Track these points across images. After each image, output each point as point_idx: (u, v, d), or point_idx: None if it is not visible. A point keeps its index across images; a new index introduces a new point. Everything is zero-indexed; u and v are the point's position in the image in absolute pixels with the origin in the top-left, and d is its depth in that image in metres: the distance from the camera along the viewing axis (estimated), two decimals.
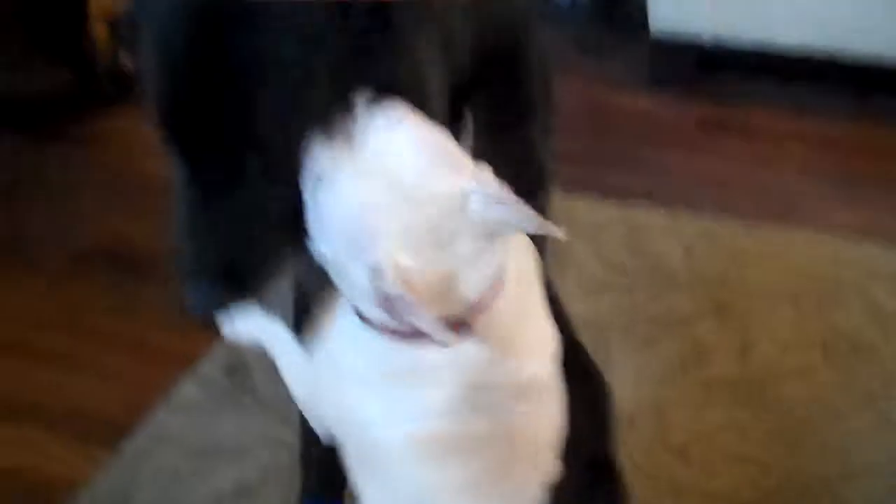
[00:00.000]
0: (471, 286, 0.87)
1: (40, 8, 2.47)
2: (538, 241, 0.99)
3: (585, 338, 1.49)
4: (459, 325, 0.88)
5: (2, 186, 2.24)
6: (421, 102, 0.93)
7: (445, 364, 0.92)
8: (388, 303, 0.84)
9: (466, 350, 0.90)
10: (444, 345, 0.86)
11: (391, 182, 0.84)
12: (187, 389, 1.67)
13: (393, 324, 0.88)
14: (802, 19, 2.41)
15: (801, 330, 1.77)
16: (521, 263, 0.96)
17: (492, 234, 0.87)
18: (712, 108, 2.50)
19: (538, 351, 1.00)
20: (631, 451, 1.50)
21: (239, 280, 0.92)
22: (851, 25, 2.38)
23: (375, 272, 0.83)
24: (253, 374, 1.68)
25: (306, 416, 1.04)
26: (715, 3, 2.46)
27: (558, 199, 2.06)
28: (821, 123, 2.40)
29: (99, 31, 2.58)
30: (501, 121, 1.23)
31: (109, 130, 2.38)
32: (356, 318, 0.92)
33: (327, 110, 0.89)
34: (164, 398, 1.65)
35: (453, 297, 0.87)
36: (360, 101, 0.88)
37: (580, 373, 1.04)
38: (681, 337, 1.76)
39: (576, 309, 1.52)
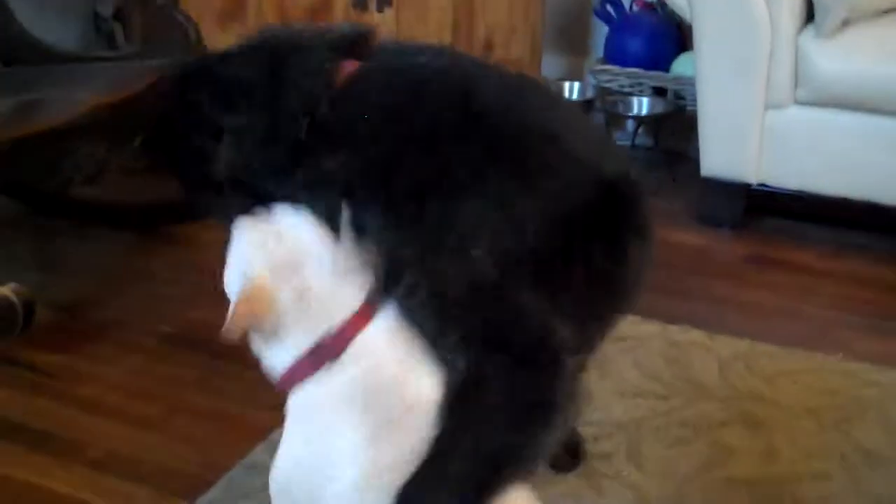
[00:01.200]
0: (329, 312, 1.17)
1: (156, 127, 2.79)
2: None
3: (621, 437, 1.67)
4: (328, 349, 1.16)
5: (112, 276, 2.57)
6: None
7: (343, 395, 1.16)
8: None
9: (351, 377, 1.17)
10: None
11: (273, 239, 1.23)
12: (260, 455, 1.86)
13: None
14: (840, 171, 2.62)
15: (821, 440, 1.91)
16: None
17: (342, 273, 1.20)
18: (758, 246, 2.70)
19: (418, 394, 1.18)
20: None
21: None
22: (884, 178, 2.58)
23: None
24: None
25: None
26: (760, 154, 2.69)
27: None
28: (857, 263, 2.59)
29: None
30: None
31: (205, 235, 2.70)
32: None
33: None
34: (240, 461, 1.85)
35: (313, 316, 1.18)
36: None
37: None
38: (709, 440, 1.92)
39: (613, 411, 1.72)
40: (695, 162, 2.83)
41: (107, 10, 2.60)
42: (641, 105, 3.24)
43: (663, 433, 1.93)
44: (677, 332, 2.27)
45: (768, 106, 2.64)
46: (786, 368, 2.14)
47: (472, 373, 1.11)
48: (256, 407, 2.00)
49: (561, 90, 3.44)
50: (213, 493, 1.77)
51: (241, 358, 2.18)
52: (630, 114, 3.23)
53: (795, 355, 2.18)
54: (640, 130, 3.19)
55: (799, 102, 2.63)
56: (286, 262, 1.21)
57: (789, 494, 1.78)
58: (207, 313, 2.36)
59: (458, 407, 1.11)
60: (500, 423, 1.10)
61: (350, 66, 1.28)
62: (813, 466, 1.85)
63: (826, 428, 1.95)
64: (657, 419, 1.96)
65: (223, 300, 2.39)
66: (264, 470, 1.82)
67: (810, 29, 2.59)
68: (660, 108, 3.22)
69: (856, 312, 2.37)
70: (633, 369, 2.12)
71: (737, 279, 2.55)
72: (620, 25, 3.36)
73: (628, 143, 3.21)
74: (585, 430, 1.89)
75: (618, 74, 3.33)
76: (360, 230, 1.22)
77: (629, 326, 2.27)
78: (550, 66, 3.63)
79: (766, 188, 2.73)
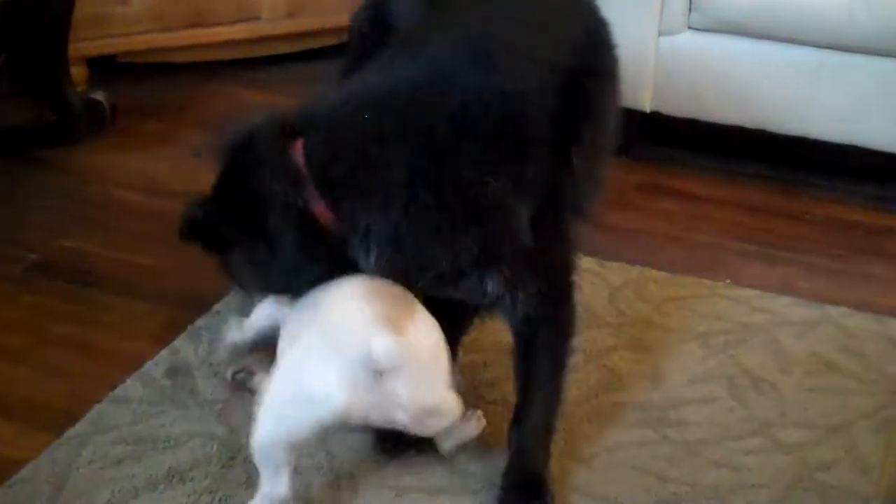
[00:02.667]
0: None
1: (25, 49, 2.63)
2: None
3: (509, 363, 1.64)
4: None
5: None
6: None
7: None
8: None
9: None
10: None
11: None
12: (131, 386, 1.77)
13: None
14: (733, 98, 2.60)
15: (709, 365, 1.91)
16: None
17: None
18: (650, 174, 2.67)
19: None
20: None
21: None
22: (776, 105, 2.57)
23: None
24: (194, 376, 1.80)
25: None
26: (654, 81, 2.65)
27: None
28: (747, 191, 2.59)
29: (77, 72, 2.75)
30: None
31: (77, 160, 2.57)
32: None
33: None
34: (109, 394, 1.76)
35: None
36: None
37: None
38: (598, 366, 1.90)
39: (502, 339, 1.67)
40: None
41: None
42: None
43: None
44: None
45: (662, 32, 2.60)
46: (674, 294, 2.13)
47: None
48: (129, 338, 1.91)
49: None
50: (81, 426, 1.68)
51: (114, 288, 2.09)
52: None
53: (684, 281, 2.17)
54: None
55: (693, 28, 2.59)
56: None
57: (676, 417, 1.77)
58: (78, 241, 2.25)
59: None
60: None
61: None
62: (700, 390, 1.84)
63: (714, 353, 1.94)
64: None
65: (94, 228, 2.29)
66: (134, 402, 1.74)
67: None
68: None
69: (745, 240, 2.37)
70: None
71: (628, 207, 2.52)
72: None
73: None
74: (474, 357, 1.85)
75: None
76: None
77: None
78: None
79: (659, 116, 2.70)
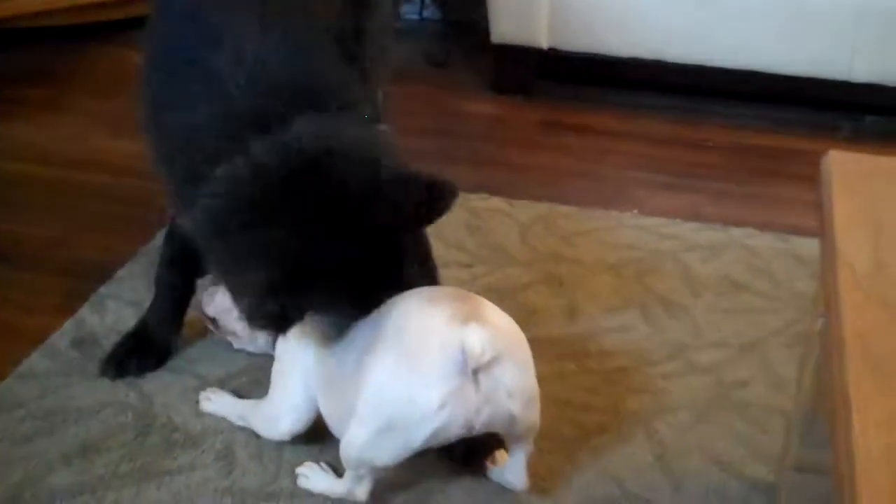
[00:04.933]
0: None
1: None
2: None
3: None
4: None
5: None
6: None
7: None
8: None
9: None
10: None
11: None
12: (35, 361, 1.70)
13: None
14: (627, 29, 2.61)
15: (622, 294, 1.92)
16: None
17: None
18: (551, 111, 2.67)
19: None
20: None
21: None
22: (673, 35, 2.58)
23: None
24: (101, 345, 1.74)
25: None
26: (550, 17, 2.64)
27: None
28: (649, 123, 2.61)
29: None
30: None
31: None
32: None
33: None
34: (14, 370, 1.69)
35: None
36: None
37: None
38: (514, 303, 1.88)
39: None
40: (485, 32, 2.76)
41: None
42: None
43: None
44: (477, 200, 2.22)
45: None
46: (584, 228, 2.13)
47: None
48: (31, 311, 1.84)
49: None
50: None
51: (11, 261, 2.01)
52: None
53: (592, 214, 2.18)
54: (427, 2, 3.09)
55: None
56: None
57: (595, 347, 1.78)
58: None
59: None
60: None
61: None
62: (615, 319, 1.86)
63: (626, 282, 1.96)
64: (462, 287, 1.89)
65: None
66: (40, 376, 1.68)
67: None
68: None
69: (649, 170, 2.39)
70: (436, 240, 2.03)
71: (533, 145, 2.52)
72: None
73: (416, 16, 3.11)
74: None
75: None
76: None
77: None
78: None
79: (556, 52, 2.69)
